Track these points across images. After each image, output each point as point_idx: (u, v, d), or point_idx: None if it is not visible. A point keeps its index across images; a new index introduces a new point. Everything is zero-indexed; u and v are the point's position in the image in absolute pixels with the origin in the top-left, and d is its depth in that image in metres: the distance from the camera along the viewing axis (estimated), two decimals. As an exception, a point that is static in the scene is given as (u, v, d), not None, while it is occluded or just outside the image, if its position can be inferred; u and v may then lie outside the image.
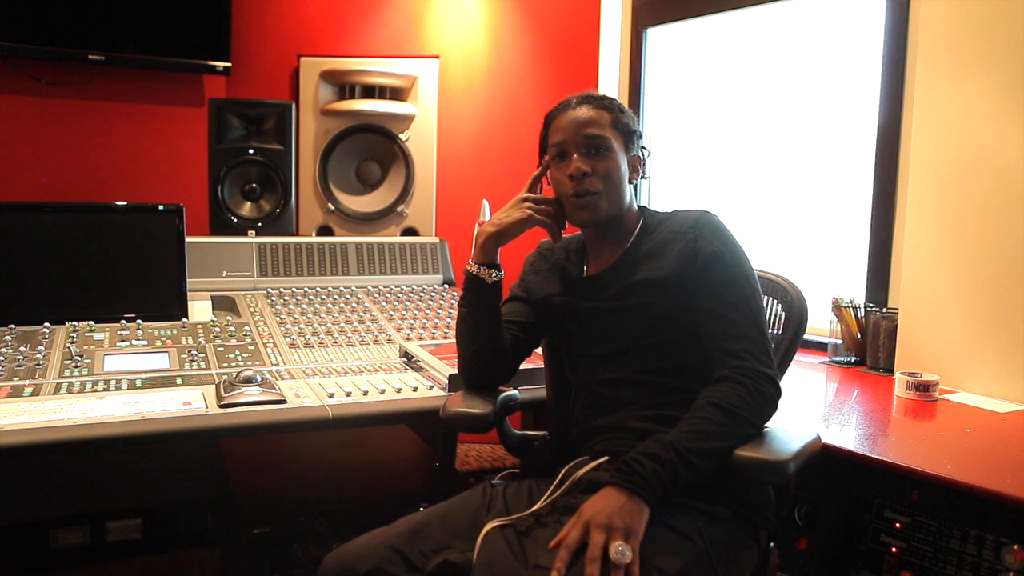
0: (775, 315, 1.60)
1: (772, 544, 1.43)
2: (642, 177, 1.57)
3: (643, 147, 1.57)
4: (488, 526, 1.32)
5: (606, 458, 1.40)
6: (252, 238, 2.42)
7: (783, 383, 1.40)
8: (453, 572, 1.30)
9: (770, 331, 1.55)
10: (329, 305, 2.27)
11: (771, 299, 1.62)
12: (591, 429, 1.50)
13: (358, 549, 1.35)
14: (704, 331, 1.40)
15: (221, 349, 1.95)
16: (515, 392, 1.62)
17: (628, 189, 1.52)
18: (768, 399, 1.33)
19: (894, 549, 1.54)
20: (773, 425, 1.37)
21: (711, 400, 1.31)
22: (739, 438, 1.29)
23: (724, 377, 1.34)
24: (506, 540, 1.29)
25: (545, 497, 1.37)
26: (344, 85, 2.91)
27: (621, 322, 1.47)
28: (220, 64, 2.88)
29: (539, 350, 1.75)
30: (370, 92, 2.90)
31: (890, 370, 2.16)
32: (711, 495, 1.33)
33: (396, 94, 2.93)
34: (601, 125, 1.48)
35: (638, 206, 1.57)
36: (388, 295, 2.38)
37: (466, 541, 1.33)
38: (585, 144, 1.47)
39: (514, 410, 1.68)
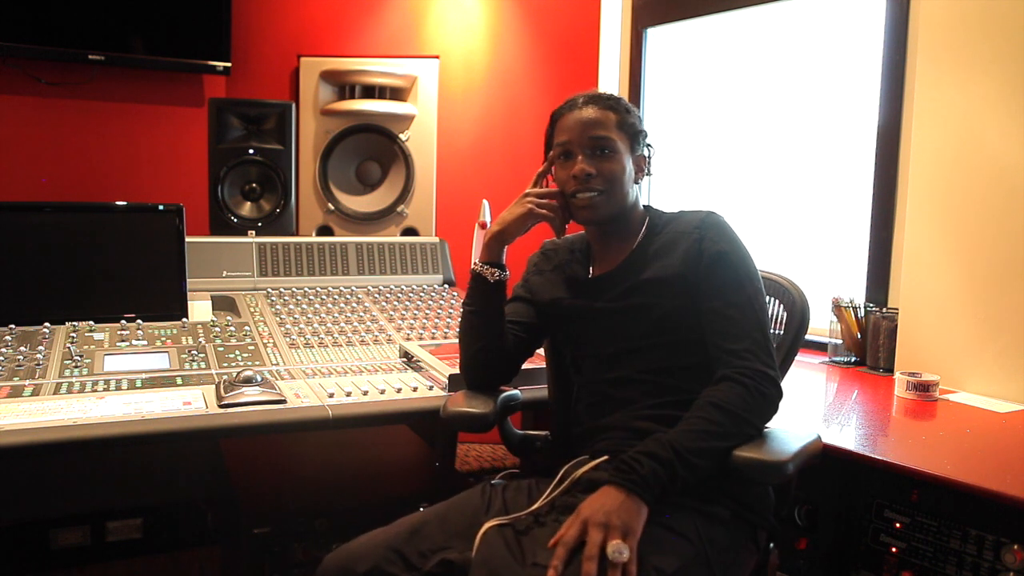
0: (777, 315, 1.60)
1: (772, 545, 1.43)
2: (647, 175, 1.57)
3: (648, 144, 1.57)
4: (487, 525, 1.32)
5: (605, 457, 1.40)
6: (252, 238, 2.42)
7: (784, 383, 1.40)
8: (451, 571, 1.30)
9: (772, 331, 1.54)
10: (329, 305, 2.27)
11: (773, 299, 1.62)
12: (593, 428, 1.50)
13: (357, 549, 1.34)
14: (707, 331, 1.40)
15: (221, 349, 1.95)
16: (516, 392, 1.63)
17: (633, 189, 1.52)
18: (769, 400, 1.34)
19: (894, 549, 1.54)
20: (774, 425, 1.37)
21: (711, 400, 1.31)
22: (738, 438, 1.29)
23: (725, 377, 1.34)
24: (504, 539, 1.29)
25: (544, 496, 1.37)
26: (344, 85, 2.91)
27: (627, 322, 1.47)
28: (220, 64, 2.87)
29: (541, 350, 1.75)
30: (370, 92, 2.90)
31: (890, 370, 2.16)
32: (710, 495, 1.32)
33: (396, 94, 2.93)
34: (607, 126, 1.48)
35: (644, 206, 1.57)
36: (388, 295, 2.38)
37: (464, 540, 1.33)
38: (590, 145, 1.47)
39: (515, 410, 1.68)
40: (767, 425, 1.36)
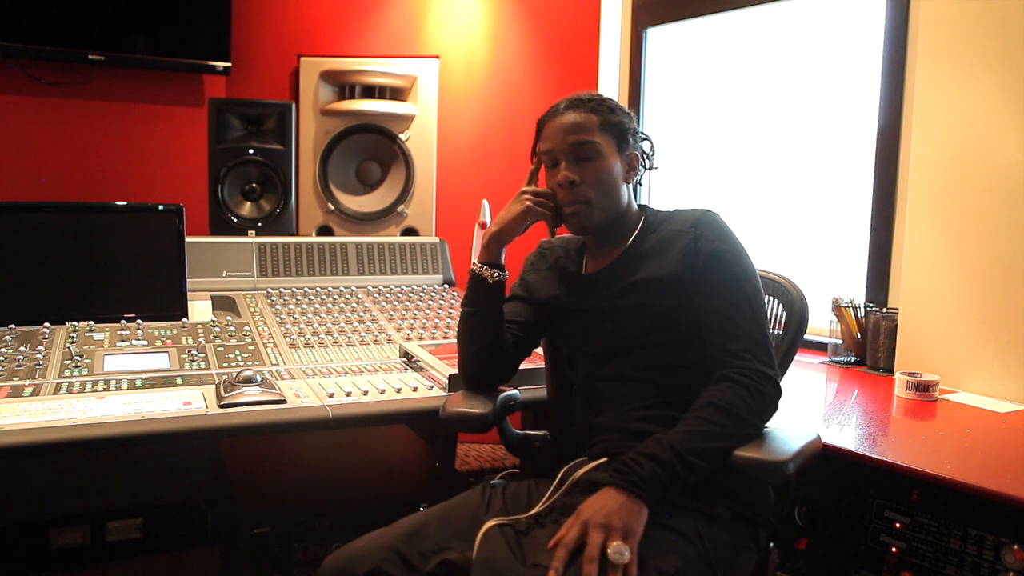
0: (775, 315, 1.60)
1: (772, 544, 1.43)
2: (649, 168, 1.57)
3: (645, 137, 1.56)
4: (487, 524, 1.32)
5: (604, 459, 1.40)
6: (252, 238, 2.42)
7: (783, 383, 1.40)
8: (452, 571, 1.30)
9: (771, 331, 1.55)
10: (329, 305, 2.27)
11: (771, 298, 1.62)
12: (588, 427, 1.50)
13: (357, 550, 1.34)
14: (705, 330, 1.40)
15: (221, 349, 1.95)
16: (515, 392, 1.63)
17: (625, 190, 1.51)
18: (768, 400, 1.33)
19: (894, 549, 1.54)
20: (774, 425, 1.37)
21: (711, 400, 1.31)
22: (738, 439, 1.29)
23: (724, 377, 1.34)
24: (505, 539, 1.29)
25: (544, 499, 1.37)
26: (344, 85, 2.91)
27: (623, 321, 1.47)
28: (220, 64, 2.87)
29: (539, 350, 1.75)
30: (370, 92, 2.90)
31: (890, 370, 2.16)
32: (710, 495, 1.32)
33: (396, 94, 2.93)
34: (589, 130, 1.46)
35: (639, 205, 1.56)
36: (388, 295, 2.38)
37: (465, 541, 1.33)
38: (573, 152, 1.46)
39: (514, 410, 1.68)
40: (767, 425, 1.36)
